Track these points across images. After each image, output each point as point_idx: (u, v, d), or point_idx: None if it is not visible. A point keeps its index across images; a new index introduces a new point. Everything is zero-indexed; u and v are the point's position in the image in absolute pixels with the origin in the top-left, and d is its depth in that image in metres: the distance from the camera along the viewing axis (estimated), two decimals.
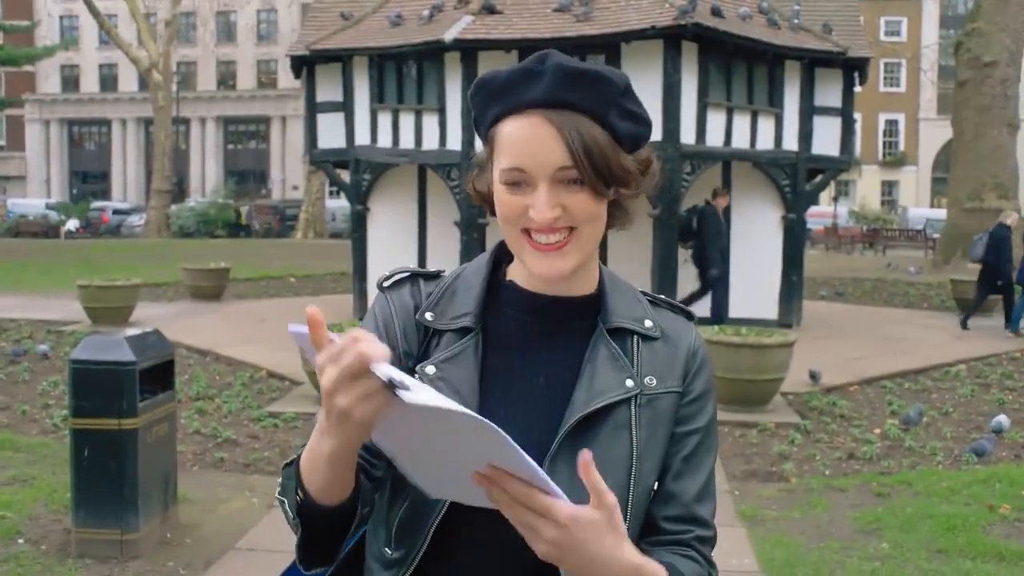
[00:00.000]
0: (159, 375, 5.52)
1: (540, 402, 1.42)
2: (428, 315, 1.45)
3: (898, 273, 25.22)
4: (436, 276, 1.51)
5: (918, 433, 8.36)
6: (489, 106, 1.38)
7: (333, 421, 1.16)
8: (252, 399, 9.49)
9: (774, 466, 7.33)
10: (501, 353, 1.43)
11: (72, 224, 46.69)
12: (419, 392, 1.11)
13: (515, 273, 1.47)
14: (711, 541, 1.46)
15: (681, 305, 1.55)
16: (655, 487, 1.43)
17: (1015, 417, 9.07)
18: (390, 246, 15.32)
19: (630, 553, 1.23)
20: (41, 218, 48.35)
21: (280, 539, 5.63)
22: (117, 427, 5.12)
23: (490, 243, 12.84)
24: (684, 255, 13.80)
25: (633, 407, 1.41)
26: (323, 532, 1.34)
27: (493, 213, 1.42)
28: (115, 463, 5.15)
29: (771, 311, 14.63)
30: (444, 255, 14.80)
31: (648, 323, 1.47)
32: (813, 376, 10.16)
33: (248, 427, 8.42)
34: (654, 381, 1.44)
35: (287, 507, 1.33)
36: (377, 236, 15.43)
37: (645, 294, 1.53)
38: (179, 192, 55.53)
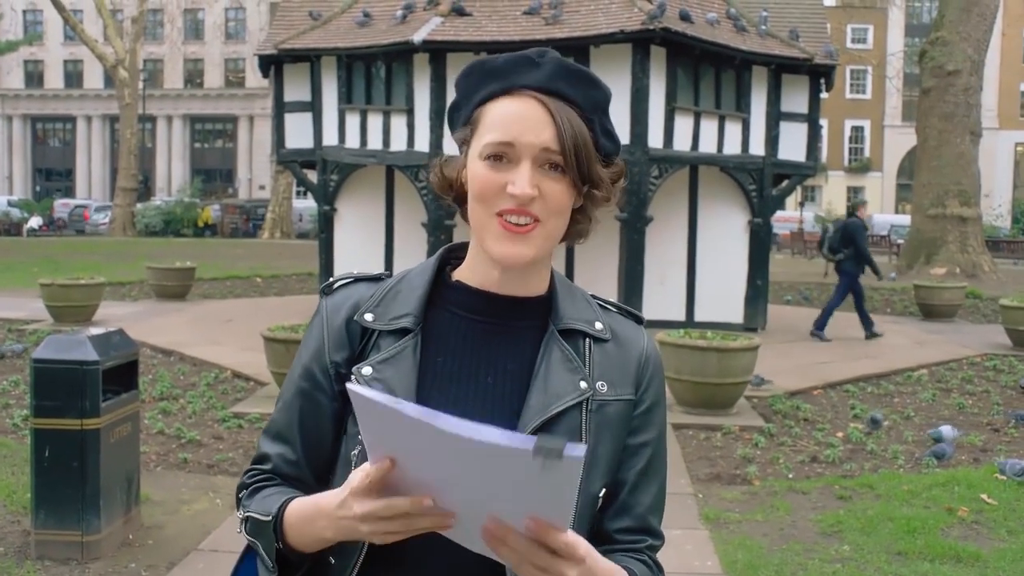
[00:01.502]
0: (123, 375, 5.47)
1: (489, 402, 1.41)
2: (368, 316, 1.44)
3: (867, 278, 25.42)
4: (379, 279, 1.51)
5: (880, 437, 8.45)
6: (481, 86, 1.39)
7: (347, 534, 1.24)
8: (217, 399, 9.43)
9: (738, 469, 7.38)
10: (445, 353, 1.42)
11: (35, 222, 46.14)
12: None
13: (463, 274, 1.47)
14: (660, 548, 1.49)
15: (632, 310, 1.55)
16: (601, 495, 1.43)
17: (974, 421, 9.19)
18: (357, 247, 15.29)
19: (608, 563, 1.27)
20: (3, 215, 47.72)
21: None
22: (79, 427, 5.07)
23: None
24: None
25: (584, 412, 1.40)
26: (296, 564, 1.39)
27: (455, 202, 1.45)
28: (77, 463, 5.10)
29: (736, 315, 14.73)
30: (411, 256, 14.77)
31: (599, 325, 1.47)
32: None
33: (212, 428, 8.37)
34: (605, 386, 1.43)
35: (262, 551, 1.38)
36: (344, 237, 15.39)
37: (595, 298, 1.53)
38: (145, 190, 55.06)
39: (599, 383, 1.42)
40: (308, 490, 1.41)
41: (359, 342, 1.44)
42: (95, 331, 5.49)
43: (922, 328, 15.75)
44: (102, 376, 5.13)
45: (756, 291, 15.04)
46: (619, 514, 1.44)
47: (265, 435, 1.50)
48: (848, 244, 13.84)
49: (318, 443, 1.44)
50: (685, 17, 13.45)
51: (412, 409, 1.11)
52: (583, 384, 1.40)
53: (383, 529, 1.19)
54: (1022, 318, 13.29)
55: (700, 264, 14.98)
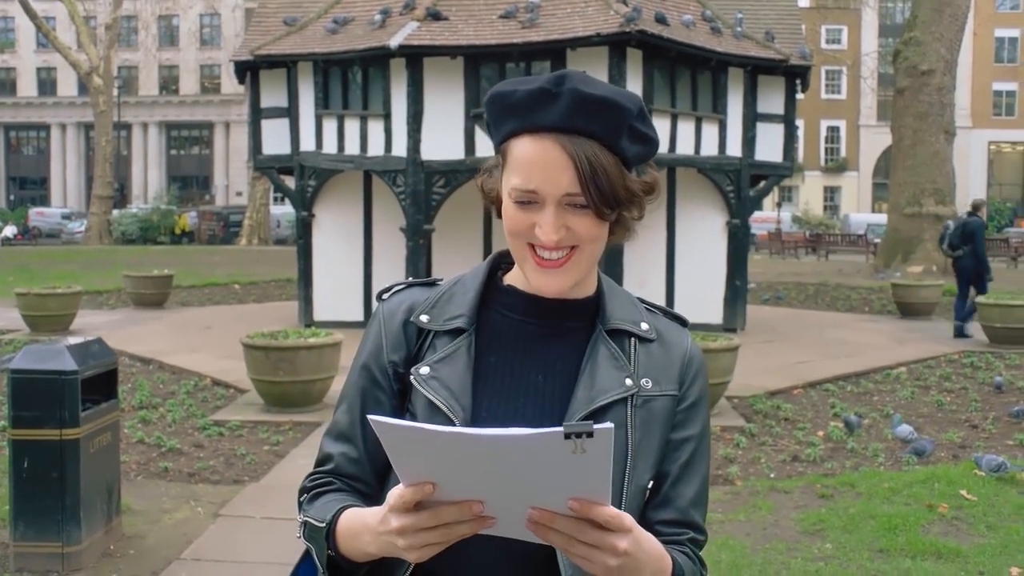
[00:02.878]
0: (102, 384, 5.43)
1: (539, 399, 1.47)
2: (423, 317, 1.51)
3: (846, 277, 25.60)
4: (434, 284, 1.58)
5: (860, 435, 8.49)
6: (504, 121, 1.43)
7: (388, 549, 1.29)
8: (196, 407, 9.38)
9: (720, 469, 7.40)
10: (498, 353, 1.49)
11: (10, 231, 45.80)
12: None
13: (514, 278, 1.53)
14: (703, 543, 1.53)
15: (676, 313, 1.61)
16: (649, 487, 1.49)
17: (952, 418, 9.26)
18: (336, 252, 15.24)
19: (653, 538, 1.33)
20: None
21: (225, 549, 5.58)
22: (58, 437, 5.03)
23: (436, 249, 12.75)
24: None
25: (629, 407, 1.46)
26: (347, 573, 1.44)
27: (499, 215, 1.49)
28: (56, 474, 5.06)
29: (715, 316, 14.79)
30: (390, 261, 14.75)
31: (644, 326, 1.52)
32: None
33: (193, 436, 8.32)
34: (650, 383, 1.49)
35: (317, 556, 1.44)
36: (323, 242, 15.34)
37: (642, 301, 1.59)
38: (121, 198, 54.72)
39: (644, 380, 1.48)
40: (368, 489, 1.50)
41: (415, 343, 1.51)
42: (73, 340, 5.45)
43: (900, 326, 15.86)
44: (81, 386, 5.09)
45: (735, 292, 15.10)
46: (662, 506, 1.50)
47: (327, 436, 1.57)
48: (968, 242, 14.22)
49: (378, 441, 1.45)
50: (661, 20, 13.49)
51: (433, 427, 1.18)
52: (628, 381, 1.46)
53: (422, 541, 1.23)
54: (998, 315, 13.39)
55: (679, 266, 15.03)
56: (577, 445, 1.12)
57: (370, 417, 1.23)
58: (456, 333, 1.48)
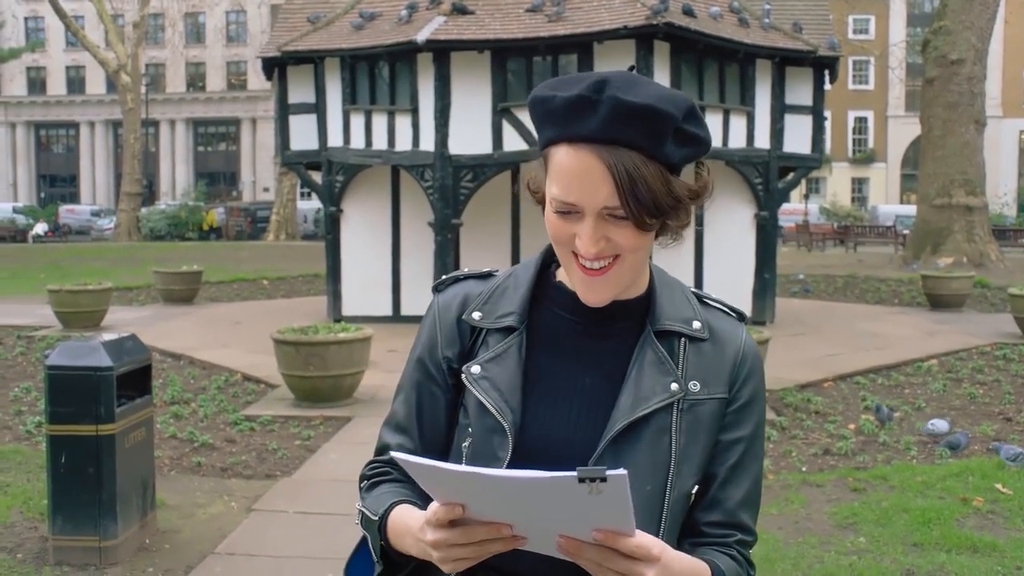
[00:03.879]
0: (136, 380, 5.48)
1: (584, 403, 1.46)
2: (476, 314, 1.52)
3: (874, 269, 25.42)
4: (488, 276, 1.58)
5: (892, 428, 8.44)
6: (544, 126, 1.40)
7: (425, 555, 1.33)
8: (228, 403, 9.45)
9: None
10: (547, 352, 1.48)
11: (40, 228, 46.25)
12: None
13: (564, 275, 1.50)
14: (752, 544, 1.53)
15: (732, 306, 1.58)
16: (694, 491, 1.47)
17: (985, 411, 9.18)
18: (364, 247, 15.29)
19: (688, 559, 1.35)
20: (8, 222, 47.83)
21: (258, 543, 5.62)
22: (95, 433, 5.08)
23: (464, 244, 12.77)
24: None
25: (675, 412, 1.44)
26: (398, 564, 1.49)
27: (543, 211, 1.47)
28: (93, 469, 5.11)
29: (744, 308, 14.54)
30: (418, 256, 14.79)
31: (696, 324, 1.50)
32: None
33: (224, 431, 8.38)
34: (698, 386, 1.46)
35: (371, 545, 1.48)
36: (351, 237, 15.39)
37: (696, 293, 1.56)
38: (149, 195, 55.12)
39: (692, 383, 1.46)
40: None
41: (469, 338, 1.52)
42: (108, 337, 5.49)
43: (930, 318, 15.72)
44: (116, 382, 5.14)
45: (764, 284, 15.04)
46: (709, 508, 1.48)
47: (385, 426, 1.60)
48: None
49: (434, 432, 1.52)
50: (688, 12, 13.44)
51: (454, 467, 1.23)
52: (674, 386, 1.44)
53: (455, 556, 1.27)
54: None
55: (707, 258, 14.97)
56: (592, 488, 1.14)
57: (394, 455, 1.27)
58: (508, 331, 1.48)
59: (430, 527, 1.27)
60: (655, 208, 1.36)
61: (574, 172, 1.35)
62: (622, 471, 1.14)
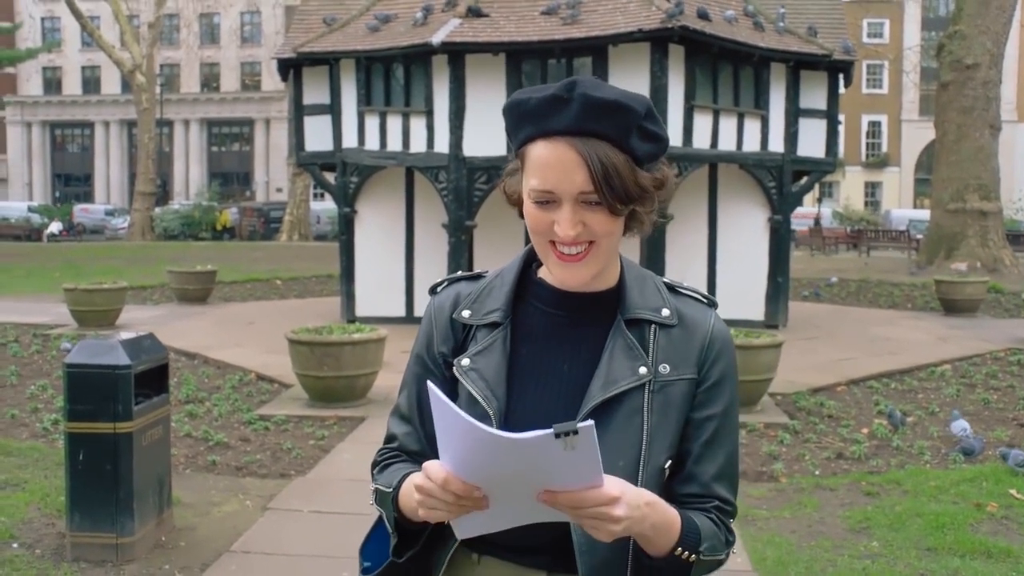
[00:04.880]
0: (153, 378, 5.52)
1: (563, 388, 1.58)
2: (465, 312, 1.66)
3: (887, 274, 25.35)
4: (478, 277, 1.73)
5: (905, 433, 8.43)
6: (520, 127, 1.54)
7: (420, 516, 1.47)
8: (242, 402, 9.49)
9: (764, 466, 7.38)
10: (530, 344, 1.61)
11: (55, 227, 46.45)
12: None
13: (545, 272, 1.64)
14: (731, 513, 1.65)
15: (702, 293, 1.69)
16: (667, 466, 1.59)
17: (999, 416, 9.16)
18: (378, 248, 15.33)
19: (657, 498, 1.48)
20: (23, 221, 48.07)
21: (274, 542, 5.66)
22: (112, 431, 5.12)
23: (477, 245, 12.77)
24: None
25: (646, 393, 1.56)
26: (413, 533, 1.62)
27: (520, 215, 1.62)
28: (110, 467, 5.15)
29: (758, 312, 14.71)
30: (432, 257, 14.82)
31: (665, 312, 1.61)
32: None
33: (239, 430, 8.42)
34: (668, 368, 1.58)
35: (386, 519, 1.63)
36: (365, 239, 15.43)
37: (667, 282, 1.67)
38: (163, 194, 55.32)
39: (662, 366, 1.58)
40: None
41: (461, 334, 1.66)
42: (126, 335, 5.53)
43: (944, 323, 15.68)
44: (134, 380, 5.18)
45: (777, 288, 15.02)
46: (685, 482, 1.61)
47: (392, 416, 1.76)
48: None
49: (433, 421, 1.63)
50: (703, 15, 13.44)
51: (464, 415, 1.35)
52: (642, 370, 1.57)
53: (430, 504, 1.40)
54: None
55: (720, 262, 14.97)
56: (567, 443, 1.28)
57: (429, 384, 1.38)
58: (494, 326, 1.62)
59: (421, 476, 1.40)
60: (625, 194, 1.48)
61: (551, 162, 1.48)
62: (590, 422, 1.27)
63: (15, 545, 5.44)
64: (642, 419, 1.55)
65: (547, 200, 1.50)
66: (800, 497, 6.56)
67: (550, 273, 1.59)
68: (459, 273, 1.74)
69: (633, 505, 1.38)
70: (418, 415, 1.68)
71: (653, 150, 1.52)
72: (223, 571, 5.19)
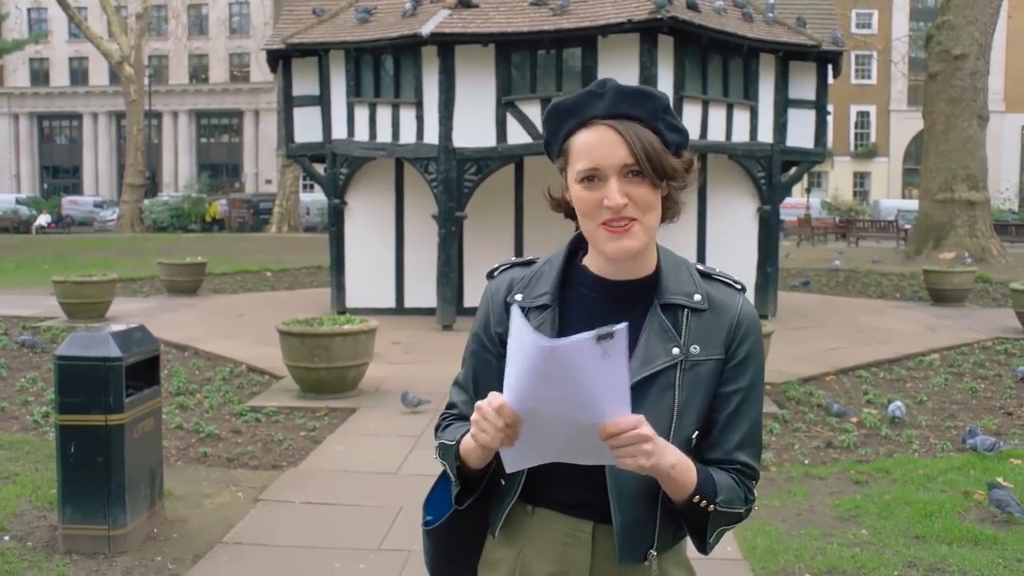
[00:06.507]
0: (144, 370, 5.52)
1: None
2: (518, 296, 1.85)
3: (876, 264, 25.43)
4: (530, 263, 1.91)
5: (903, 420, 8.47)
6: (563, 124, 1.75)
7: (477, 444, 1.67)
8: (233, 394, 9.49)
9: None
10: (575, 325, 1.72)
11: (44, 219, 46.27)
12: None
13: (589, 261, 1.82)
14: (753, 477, 1.82)
15: (733, 278, 1.86)
16: (694, 436, 1.77)
17: (987, 405, 9.22)
18: (368, 240, 15.33)
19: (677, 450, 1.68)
20: (12, 213, 47.85)
21: (265, 533, 5.67)
22: (104, 423, 5.13)
23: (467, 237, 12.78)
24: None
25: (678, 371, 1.74)
26: (473, 480, 1.81)
27: (567, 216, 1.82)
28: (102, 459, 5.15)
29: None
30: (422, 248, 14.83)
31: (697, 297, 1.79)
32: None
33: (230, 422, 8.43)
34: (699, 349, 1.76)
35: (449, 470, 1.83)
36: (355, 230, 15.43)
37: (701, 269, 1.82)
38: (152, 186, 55.12)
39: (693, 347, 1.76)
40: None
41: None
42: (117, 327, 5.53)
43: (932, 313, 15.76)
44: (125, 372, 5.18)
45: (766, 278, 15.07)
46: (710, 448, 1.80)
47: (454, 386, 1.97)
48: None
49: (487, 391, 1.76)
50: (692, 6, 13.44)
51: (534, 331, 1.53)
52: (675, 351, 1.75)
53: (482, 427, 1.60)
54: None
55: (710, 252, 15.00)
56: (604, 347, 1.46)
57: (513, 308, 1.60)
58: (543, 308, 1.80)
59: (486, 400, 1.60)
60: (660, 166, 1.68)
61: (593, 143, 1.69)
62: (624, 324, 1.46)
63: (6, 538, 5.44)
64: (674, 395, 1.73)
65: (593, 177, 1.69)
66: (790, 486, 6.60)
67: (599, 251, 1.75)
68: (513, 259, 1.93)
69: (657, 437, 1.58)
70: (473, 386, 1.90)
71: (678, 140, 1.73)
72: (215, 563, 5.21)
